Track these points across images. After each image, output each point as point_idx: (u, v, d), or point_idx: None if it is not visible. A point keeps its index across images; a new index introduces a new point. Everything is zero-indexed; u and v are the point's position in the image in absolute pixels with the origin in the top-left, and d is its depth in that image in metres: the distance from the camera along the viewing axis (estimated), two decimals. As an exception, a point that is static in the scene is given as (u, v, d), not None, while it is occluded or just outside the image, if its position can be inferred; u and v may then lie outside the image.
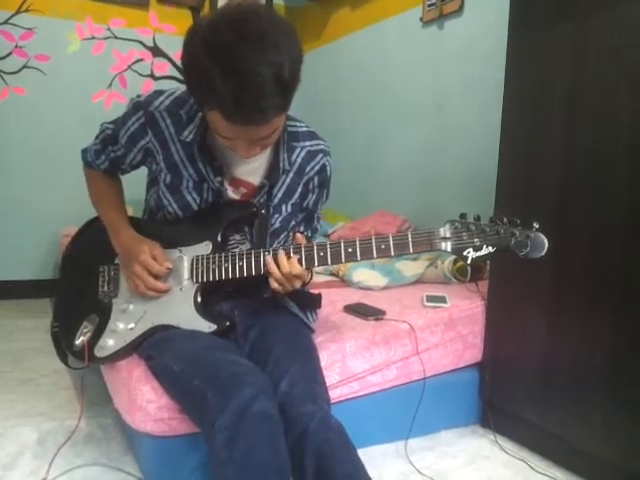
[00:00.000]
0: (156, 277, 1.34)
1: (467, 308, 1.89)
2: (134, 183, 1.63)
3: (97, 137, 1.47)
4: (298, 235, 1.29)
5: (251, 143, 1.18)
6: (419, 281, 2.29)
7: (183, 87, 1.35)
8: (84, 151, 1.51)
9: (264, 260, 1.26)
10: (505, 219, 1.15)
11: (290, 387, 1.21)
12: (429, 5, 2.81)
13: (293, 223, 1.46)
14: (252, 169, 1.38)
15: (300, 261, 1.24)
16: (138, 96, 1.37)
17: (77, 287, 1.54)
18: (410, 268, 2.30)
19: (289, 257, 1.24)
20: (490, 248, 1.14)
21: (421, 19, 2.88)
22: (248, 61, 1.03)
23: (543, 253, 1.12)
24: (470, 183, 2.57)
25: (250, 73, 1.03)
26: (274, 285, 1.26)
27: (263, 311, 1.42)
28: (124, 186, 1.56)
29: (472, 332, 1.87)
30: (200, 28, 1.08)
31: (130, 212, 1.52)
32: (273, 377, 1.22)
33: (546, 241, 1.12)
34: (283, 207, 1.42)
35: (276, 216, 1.41)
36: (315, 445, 1.13)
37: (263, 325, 1.39)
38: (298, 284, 1.28)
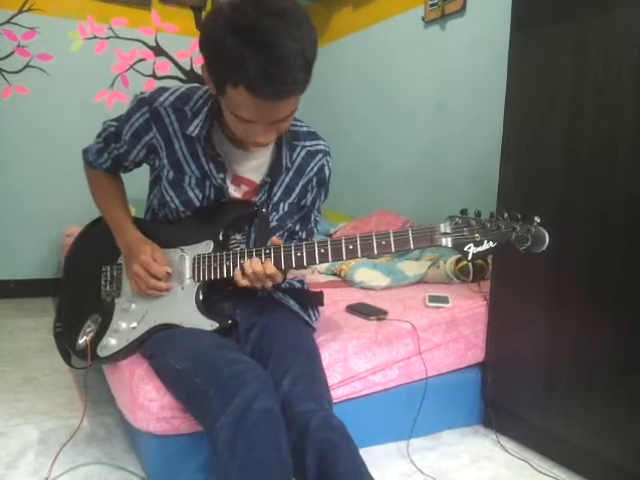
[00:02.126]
0: (155, 278, 1.35)
1: (469, 308, 1.89)
2: (136, 183, 1.63)
3: (99, 135, 1.46)
4: (274, 239, 1.29)
5: (269, 125, 1.18)
6: (421, 281, 2.28)
7: (187, 85, 1.36)
8: (85, 151, 1.51)
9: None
10: (506, 214, 1.15)
11: (292, 385, 1.21)
12: (431, 5, 2.81)
13: (289, 223, 1.47)
14: (254, 167, 1.39)
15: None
16: (142, 92, 1.37)
17: (80, 287, 1.54)
18: (412, 268, 2.30)
19: (262, 260, 1.26)
20: (491, 243, 1.14)
21: (423, 19, 2.88)
22: (275, 36, 1.04)
23: (544, 247, 1.12)
24: (472, 183, 2.57)
25: (278, 46, 1.04)
26: (242, 282, 1.27)
27: (265, 310, 1.43)
28: (126, 186, 1.56)
29: (474, 332, 1.86)
30: (222, 10, 1.09)
31: (132, 212, 1.52)
32: (275, 375, 1.22)
33: (547, 235, 1.11)
34: (281, 205, 1.42)
35: (273, 214, 1.42)
36: (317, 444, 1.13)
37: (264, 324, 1.39)
38: (269, 284, 1.28)
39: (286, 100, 1.12)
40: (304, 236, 1.53)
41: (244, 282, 1.27)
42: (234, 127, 1.21)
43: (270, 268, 1.25)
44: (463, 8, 2.63)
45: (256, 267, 1.25)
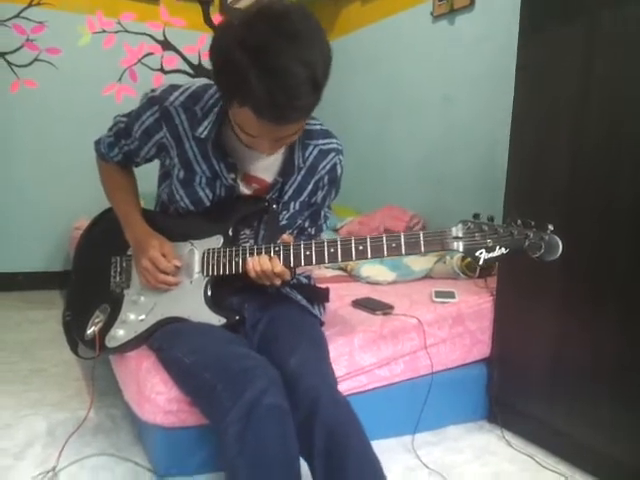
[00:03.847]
0: (164, 273, 1.35)
1: (475, 304, 1.88)
2: (145, 176, 1.63)
3: (110, 129, 1.47)
4: (284, 236, 1.29)
5: (275, 141, 1.19)
6: (427, 276, 2.29)
7: (198, 82, 1.36)
8: (97, 142, 1.51)
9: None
10: (519, 220, 1.14)
11: (299, 361, 1.22)
12: (439, 0, 2.80)
13: (299, 221, 1.47)
14: (266, 166, 1.38)
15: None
16: (153, 90, 1.36)
17: (90, 277, 1.55)
18: (418, 263, 2.30)
19: (270, 257, 1.26)
20: (503, 249, 1.13)
21: (432, 14, 2.87)
22: (284, 60, 1.03)
23: (557, 256, 1.11)
24: (479, 178, 2.56)
25: (286, 72, 1.03)
26: (252, 273, 1.27)
27: (272, 304, 1.43)
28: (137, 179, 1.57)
29: (480, 328, 1.86)
30: (233, 24, 1.08)
31: (141, 204, 1.52)
32: (282, 355, 1.23)
33: (560, 243, 1.10)
34: (292, 204, 1.42)
35: (284, 213, 1.42)
36: (324, 421, 1.13)
37: (271, 317, 1.40)
38: (278, 282, 1.29)
39: (292, 123, 1.12)
40: (313, 232, 1.53)
41: (253, 273, 1.28)
42: (239, 136, 1.22)
43: (278, 266, 1.25)
44: (472, 3, 2.62)
45: (264, 265, 1.25)
